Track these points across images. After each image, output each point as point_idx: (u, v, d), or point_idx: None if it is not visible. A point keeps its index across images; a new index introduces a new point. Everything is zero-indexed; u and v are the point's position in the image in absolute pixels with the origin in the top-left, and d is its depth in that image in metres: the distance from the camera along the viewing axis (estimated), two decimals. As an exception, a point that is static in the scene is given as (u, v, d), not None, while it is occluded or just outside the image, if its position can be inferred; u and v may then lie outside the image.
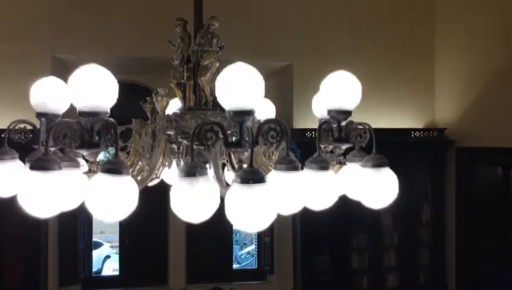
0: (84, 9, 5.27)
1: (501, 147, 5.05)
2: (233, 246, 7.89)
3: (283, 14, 5.69)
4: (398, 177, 5.76)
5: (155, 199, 5.98)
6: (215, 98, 1.89)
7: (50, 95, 1.71)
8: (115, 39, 5.20)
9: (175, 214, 5.29)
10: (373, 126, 5.73)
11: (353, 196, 1.72)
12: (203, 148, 1.73)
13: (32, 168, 1.33)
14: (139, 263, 6.16)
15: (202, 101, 1.90)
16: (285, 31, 5.64)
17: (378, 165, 1.57)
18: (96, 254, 11.34)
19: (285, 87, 5.96)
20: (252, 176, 1.27)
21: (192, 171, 1.35)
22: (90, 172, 1.50)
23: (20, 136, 1.73)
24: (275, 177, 1.41)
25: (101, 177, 1.33)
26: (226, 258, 6.47)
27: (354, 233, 5.89)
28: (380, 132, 5.23)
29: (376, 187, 1.57)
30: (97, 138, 1.43)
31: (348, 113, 1.64)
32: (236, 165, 2.22)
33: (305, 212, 5.55)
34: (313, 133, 5.68)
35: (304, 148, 5.69)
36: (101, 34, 5.19)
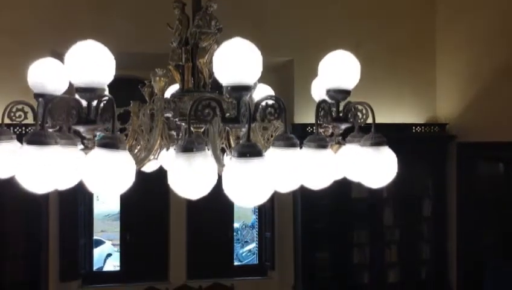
0: (84, 5, 5.28)
1: (502, 141, 5.04)
2: (234, 244, 7.89)
3: (284, 9, 5.69)
4: (399, 173, 5.76)
5: (156, 195, 6.03)
6: (213, 80, 1.90)
7: (48, 75, 1.71)
8: (115, 34, 5.19)
9: (176, 211, 5.28)
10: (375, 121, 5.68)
11: (352, 176, 1.71)
12: (201, 130, 1.73)
13: (28, 142, 1.33)
14: (140, 259, 6.15)
15: (201, 84, 1.89)
16: (286, 26, 5.64)
17: (377, 143, 1.56)
18: (98, 252, 11.35)
19: (285, 83, 5.95)
20: (249, 150, 1.26)
21: (189, 146, 1.34)
22: (87, 149, 1.49)
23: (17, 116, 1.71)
24: (273, 153, 1.40)
25: (97, 152, 1.32)
26: (227, 254, 6.46)
27: (355, 229, 5.88)
28: (381, 127, 5.23)
29: (375, 166, 1.55)
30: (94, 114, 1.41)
31: (346, 92, 1.63)
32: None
33: (306, 208, 5.59)
34: (313, 128, 5.66)
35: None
36: (101, 30, 5.19)
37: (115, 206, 14.62)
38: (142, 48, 5.28)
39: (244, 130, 1.39)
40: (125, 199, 6.28)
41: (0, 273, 5.20)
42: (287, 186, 1.46)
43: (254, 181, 1.25)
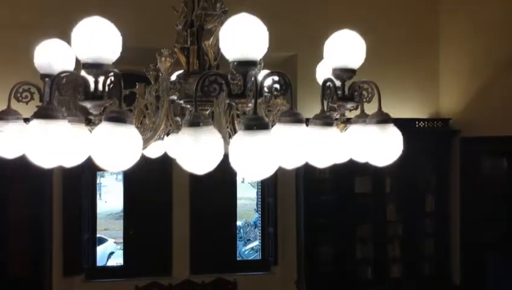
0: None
1: (506, 136, 5.04)
2: (237, 241, 7.90)
3: (287, 3, 5.69)
4: (403, 168, 5.79)
5: (159, 189, 6.05)
6: (218, 62, 1.90)
7: (54, 56, 1.72)
8: (120, 29, 5.20)
9: (178, 206, 5.26)
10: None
11: (358, 156, 1.71)
12: (206, 112, 1.74)
13: (35, 116, 1.33)
14: (143, 254, 6.16)
15: (206, 66, 1.90)
16: (290, 21, 5.64)
17: (382, 121, 1.57)
18: (101, 250, 11.37)
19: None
20: (256, 122, 1.27)
21: (196, 120, 1.34)
22: (93, 125, 1.50)
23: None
24: (279, 129, 1.41)
25: (104, 126, 1.32)
26: (230, 249, 6.46)
27: (358, 224, 5.88)
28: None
29: (381, 144, 1.56)
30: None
31: (352, 72, 1.63)
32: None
33: (310, 203, 5.59)
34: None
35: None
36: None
37: (118, 206, 14.71)
38: (148, 42, 5.28)
39: (250, 105, 1.40)
40: (128, 193, 6.30)
41: (4, 268, 5.21)
42: (292, 162, 1.46)
43: (260, 153, 1.26)
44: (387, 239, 5.94)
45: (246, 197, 18.02)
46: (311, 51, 5.75)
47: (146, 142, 1.70)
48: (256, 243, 11.46)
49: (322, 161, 1.55)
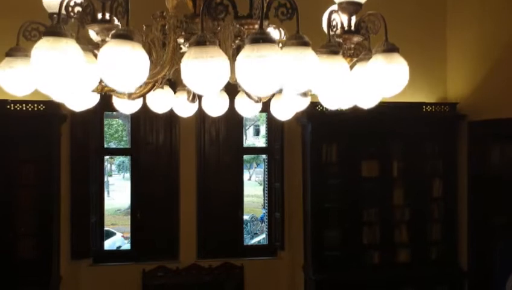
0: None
1: (514, 117, 5.02)
2: (244, 235, 7.89)
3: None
4: (410, 152, 5.79)
5: (167, 173, 6.06)
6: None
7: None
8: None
9: (186, 190, 5.26)
10: (384, 100, 5.73)
11: (364, 88, 1.71)
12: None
13: (45, 34, 1.35)
14: (150, 238, 6.17)
15: (212, 8, 1.90)
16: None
17: (388, 50, 1.57)
18: (109, 243, 11.46)
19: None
20: (262, 36, 1.28)
21: (202, 40, 1.36)
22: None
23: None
24: (285, 51, 1.41)
25: (112, 42, 1.34)
26: (237, 233, 6.46)
27: (365, 208, 5.87)
28: (391, 105, 5.25)
29: (387, 72, 1.56)
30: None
31: (358, 5, 1.64)
32: (252, 96, 2.24)
33: (316, 187, 5.57)
34: (324, 106, 5.67)
35: (315, 121, 5.71)
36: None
37: (125, 203, 14.78)
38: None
39: (257, 26, 1.41)
40: (136, 177, 6.32)
41: (12, 250, 5.23)
42: (297, 86, 1.46)
43: (266, 66, 1.27)
44: (394, 224, 5.92)
45: (253, 194, 18.05)
46: (316, 32, 5.81)
47: (153, 76, 1.71)
48: (263, 237, 11.47)
49: (327, 89, 1.56)
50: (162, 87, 2.23)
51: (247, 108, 2.43)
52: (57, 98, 1.84)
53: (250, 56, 1.28)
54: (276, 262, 6.35)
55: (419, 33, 5.96)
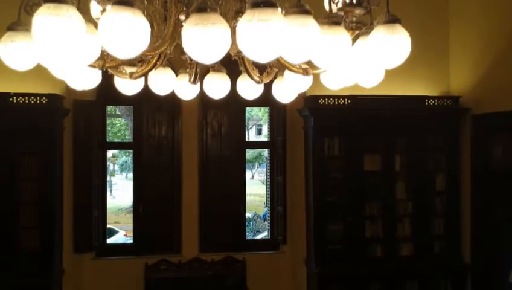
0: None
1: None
2: (247, 232, 7.89)
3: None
4: (413, 146, 5.75)
5: (169, 168, 6.06)
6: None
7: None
8: None
9: (188, 184, 5.25)
10: (387, 93, 5.72)
11: (366, 64, 1.71)
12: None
13: (45, 1, 1.34)
14: (152, 232, 6.18)
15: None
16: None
17: (390, 21, 1.56)
18: (112, 241, 11.45)
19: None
20: (263, 0, 1.28)
21: (203, 6, 1.35)
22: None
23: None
24: (287, 19, 1.41)
25: (113, 9, 1.33)
26: (239, 228, 6.46)
27: (367, 202, 5.85)
28: (394, 99, 5.24)
29: (389, 43, 1.55)
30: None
31: (359, -22, 1.63)
32: (253, 74, 2.24)
33: (319, 181, 5.54)
34: (326, 99, 5.68)
35: (317, 114, 5.70)
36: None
37: (128, 202, 14.79)
38: None
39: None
40: (138, 172, 6.33)
41: (15, 242, 5.23)
42: (298, 54, 1.45)
43: (267, 30, 1.26)
44: (396, 217, 5.91)
45: (256, 193, 18.05)
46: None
47: (154, 49, 1.71)
48: (265, 234, 11.48)
49: (328, 60, 1.55)
50: (164, 66, 2.23)
51: (248, 90, 2.41)
52: (58, 73, 1.84)
53: (251, 20, 1.27)
54: (278, 256, 6.35)
55: (421, 26, 5.94)
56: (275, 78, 2.41)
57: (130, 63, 2.17)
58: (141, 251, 6.11)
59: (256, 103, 7.39)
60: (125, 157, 22.73)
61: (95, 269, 5.97)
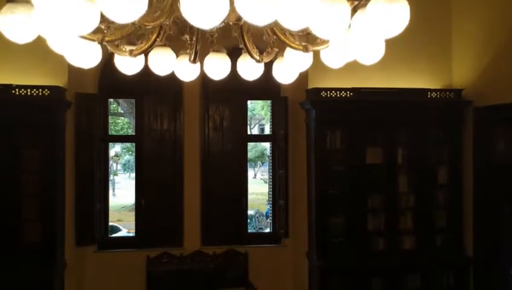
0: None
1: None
2: (249, 230, 7.88)
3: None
4: (415, 139, 5.75)
5: (171, 162, 6.06)
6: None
7: None
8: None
9: (190, 178, 5.27)
10: (389, 86, 5.71)
11: (365, 34, 1.70)
12: None
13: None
14: (154, 225, 6.18)
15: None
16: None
17: (389, -10, 1.55)
18: (114, 238, 11.44)
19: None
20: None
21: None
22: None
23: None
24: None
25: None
26: (241, 221, 6.46)
27: (369, 195, 5.84)
28: (396, 92, 5.24)
29: (388, 12, 1.55)
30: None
31: None
32: (253, 52, 2.23)
33: (321, 174, 5.54)
34: (328, 92, 5.67)
35: (319, 107, 5.70)
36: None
37: (131, 200, 14.84)
38: None
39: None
40: (140, 166, 6.33)
41: (17, 235, 5.23)
42: (296, 20, 1.45)
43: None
44: (399, 211, 5.90)
45: (258, 192, 18.05)
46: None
47: (153, 20, 1.71)
48: (267, 231, 11.47)
49: (328, 33, 1.54)
50: (164, 45, 2.23)
51: (249, 70, 2.41)
52: (57, 46, 1.85)
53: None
54: (280, 249, 6.34)
55: (423, 19, 5.93)
56: (275, 58, 2.41)
57: (130, 41, 2.18)
58: (143, 243, 6.12)
59: (258, 96, 7.46)
60: (128, 156, 22.78)
61: (97, 262, 5.98)
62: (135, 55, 2.07)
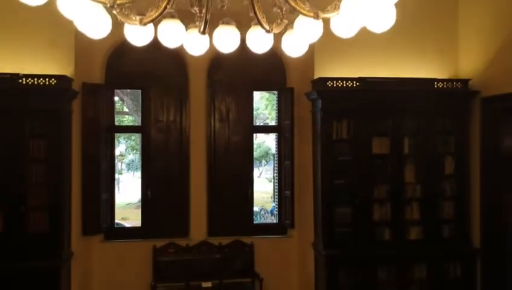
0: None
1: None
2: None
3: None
4: (421, 129, 5.74)
5: (177, 149, 6.07)
6: None
7: None
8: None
9: (196, 169, 5.33)
10: (397, 76, 5.69)
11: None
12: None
13: None
14: (160, 215, 6.18)
15: None
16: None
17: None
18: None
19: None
20: None
21: None
22: None
23: None
24: None
25: None
26: (247, 212, 6.45)
27: (376, 185, 5.82)
28: (402, 81, 5.24)
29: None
30: None
31: None
32: (262, 22, 2.23)
33: (327, 164, 5.52)
34: (334, 82, 5.66)
35: (326, 97, 5.69)
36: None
37: (136, 198, 14.82)
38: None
39: None
40: (146, 156, 6.34)
41: (24, 223, 5.23)
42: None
43: None
44: (405, 201, 5.88)
45: (263, 190, 18.03)
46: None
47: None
48: (274, 222, 11.45)
49: None
50: (173, 16, 2.23)
51: (258, 42, 2.40)
52: (67, 11, 1.85)
53: None
54: (286, 240, 6.33)
55: (430, 8, 5.93)
56: (285, 31, 2.41)
57: (139, 12, 2.18)
58: (149, 234, 6.12)
59: (264, 87, 7.45)
60: (133, 156, 22.78)
61: (103, 252, 5.98)
62: (145, 24, 2.08)
